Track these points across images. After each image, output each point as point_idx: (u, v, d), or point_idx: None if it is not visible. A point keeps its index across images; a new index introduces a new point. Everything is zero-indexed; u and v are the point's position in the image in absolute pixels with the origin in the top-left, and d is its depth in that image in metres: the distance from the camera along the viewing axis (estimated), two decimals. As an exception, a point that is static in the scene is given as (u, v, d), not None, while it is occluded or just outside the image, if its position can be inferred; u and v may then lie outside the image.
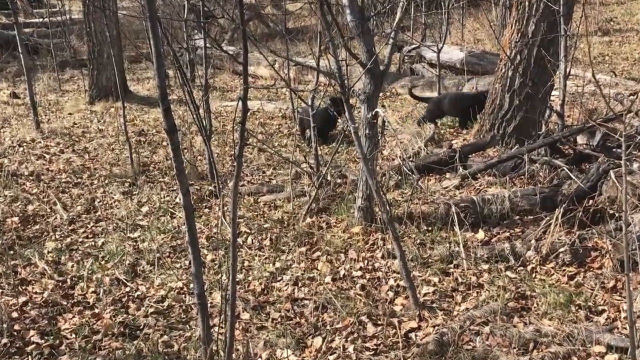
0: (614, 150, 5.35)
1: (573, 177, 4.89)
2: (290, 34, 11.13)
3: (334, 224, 5.11)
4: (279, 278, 4.36)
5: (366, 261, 4.49)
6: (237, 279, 3.46)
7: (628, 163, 4.64)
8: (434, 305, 3.89)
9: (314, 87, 6.58)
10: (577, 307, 3.73)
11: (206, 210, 5.58)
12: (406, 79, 10.06)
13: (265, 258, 4.65)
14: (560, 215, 4.54)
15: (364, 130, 4.57)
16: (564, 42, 5.62)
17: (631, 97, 7.21)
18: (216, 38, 13.53)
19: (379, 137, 4.60)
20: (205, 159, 6.38)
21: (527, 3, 6.07)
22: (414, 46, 10.96)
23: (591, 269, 4.16)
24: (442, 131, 7.44)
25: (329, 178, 5.75)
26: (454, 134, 7.37)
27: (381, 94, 9.87)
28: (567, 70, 5.71)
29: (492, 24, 12.39)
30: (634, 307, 3.54)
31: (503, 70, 6.43)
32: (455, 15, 15.08)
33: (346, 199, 5.36)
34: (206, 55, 6.43)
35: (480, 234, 4.71)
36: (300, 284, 4.27)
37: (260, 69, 11.50)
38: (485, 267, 4.28)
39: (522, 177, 5.49)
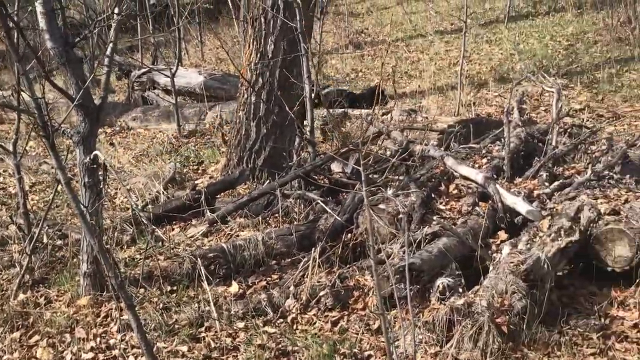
0: (369, 176, 5.91)
1: (328, 210, 5.29)
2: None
3: (55, 297, 4.90)
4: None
5: (98, 339, 4.38)
6: None
7: (383, 189, 5.16)
8: (184, 380, 3.92)
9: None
10: (342, 357, 4.02)
11: None
12: (138, 110, 10.03)
13: (-37, 355, 4.30)
14: (318, 255, 4.89)
15: (82, 178, 4.48)
16: (305, 61, 6.07)
17: (384, 116, 8.01)
18: None
19: (101, 185, 4.53)
20: None
21: (262, 19, 6.47)
22: (143, 70, 10.97)
23: (355, 311, 4.52)
24: (185, 169, 7.56)
25: (45, 240, 5.51)
26: (199, 172, 7.52)
27: (110, 130, 9.74)
28: (314, 91, 6.19)
29: (235, 40, 12.94)
30: (401, 346, 3.93)
31: (245, 95, 6.75)
32: (192, 32, 15.48)
33: (69, 265, 5.19)
34: None
35: (234, 287, 4.86)
36: (13, 381, 4.02)
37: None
38: (241, 324, 4.42)
39: (277, 215, 5.79)
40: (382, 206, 4.99)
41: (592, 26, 12.92)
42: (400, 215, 4.85)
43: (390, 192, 5.11)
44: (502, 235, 4.96)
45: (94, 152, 4.42)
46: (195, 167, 7.70)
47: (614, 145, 6.25)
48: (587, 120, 8.17)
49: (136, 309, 3.93)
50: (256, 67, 6.58)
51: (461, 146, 6.27)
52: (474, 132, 6.85)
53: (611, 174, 5.60)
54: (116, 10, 4.39)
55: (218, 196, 6.38)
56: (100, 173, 4.47)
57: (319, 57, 13.52)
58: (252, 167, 6.75)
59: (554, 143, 5.87)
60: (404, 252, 4.62)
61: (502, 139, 6.16)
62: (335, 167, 6.52)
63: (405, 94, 10.73)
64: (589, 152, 6.50)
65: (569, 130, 6.78)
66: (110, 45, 4.63)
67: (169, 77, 9.33)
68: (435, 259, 4.45)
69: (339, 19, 15.87)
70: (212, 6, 15.16)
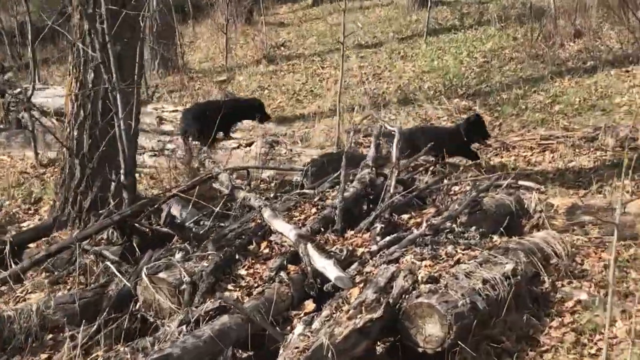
0: (186, 226, 5.17)
1: (117, 273, 4.54)
2: None
3: None
4: None
5: None
6: None
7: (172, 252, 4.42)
8: None
9: None
10: None
11: None
12: (2, 135, 9.23)
13: None
14: (101, 327, 4.17)
15: None
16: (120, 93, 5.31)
17: (246, 147, 7.28)
18: None
19: None
20: None
21: (80, 45, 5.71)
22: (18, 90, 10.17)
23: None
24: (16, 209, 6.77)
25: None
26: (30, 212, 6.74)
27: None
28: (134, 128, 5.45)
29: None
30: None
31: (68, 129, 5.99)
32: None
33: None
34: None
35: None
36: None
37: None
38: None
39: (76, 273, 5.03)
40: (162, 275, 4.24)
41: (512, 42, 12.31)
42: (183, 286, 4.12)
43: (179, 255, 4.37)
44: (309, 306, 4.25)
45: None
46: (29, 206, 6.90)
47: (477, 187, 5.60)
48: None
49: None
50: (77, 97, 5.82)
51: (295, 192, 5.55)
52: (336, 169, 6.12)
53: (453, 226, 4.93)
54: None
55: (30, 246, 5.60)
56: None
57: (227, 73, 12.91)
58: (79, 209, 5.97)
59: (391, 190, 5.16)
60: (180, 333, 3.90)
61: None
62: (176, 211, 5.78)
63: (301, 116, 10.05)
64: (451, 194, 5.85)
65: (431, 169, 6.12)
66: None
67: (47, 97, 8.57)
68: (205, 345, 3.70)
69: (257, 32, 15.12)
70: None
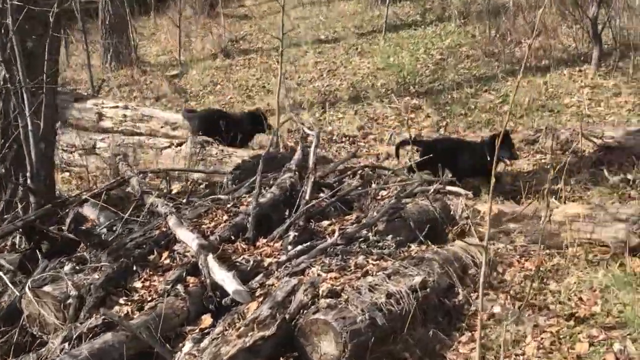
0: (92, 232, 4.93)
1: (10, 284, 4.31)
2: None
3: None
4: None
5: None
6: None
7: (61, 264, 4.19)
8: None
9: None
10: None
11: None
12: None
13: None
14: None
15: None
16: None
17: (177, 147, 7.05)
18: None
19: None
20: None
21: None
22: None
23: None
24: None
25: None
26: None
27: None
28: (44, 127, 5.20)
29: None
30: None
31: (-21, 129, 5.73)
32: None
33: None
34: None
35: None
36: None
37: None
38: None
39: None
40: (48, 288, 4.02)
41: (470, 39, 12.12)
42: (69, 301, 3.90)
43: (68, 267, 4.15)
44: (206, 321, 4.04)
45: None
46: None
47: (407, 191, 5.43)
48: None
49: None
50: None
51: (207, 197, 5.33)
52: (265, 171, 5.90)
53: (369, 234, 4.74)
54: None
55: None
56: None
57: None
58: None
59: (307, 196, 4.96)
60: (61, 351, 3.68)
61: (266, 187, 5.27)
62: (93, 215, 5.54)
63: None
64: (378, 198, 5.67)
65: (359, 172, 5.92)
66: None
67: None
68: (82, 365, 3.50)
69: (215, 25, 14.84)
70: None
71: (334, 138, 8.00)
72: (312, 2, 16.68)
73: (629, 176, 6.14)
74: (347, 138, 8.00)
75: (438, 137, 7.67)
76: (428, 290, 4.21)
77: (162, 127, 8.00)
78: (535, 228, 5.20)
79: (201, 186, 6.59)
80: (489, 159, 5.45)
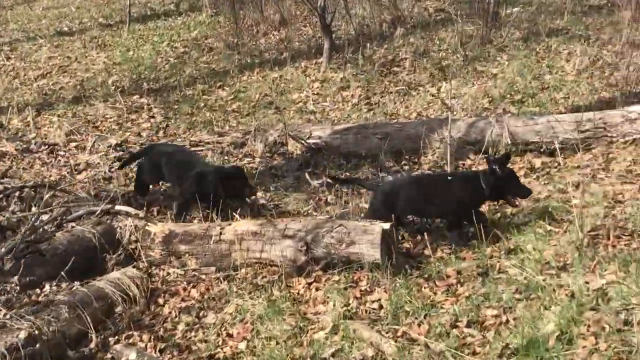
0: None
1: None
2: None
3: None
4: None
5: None
6: None
7: None
8: None
9: None
10: None
11: None
12: None
13: None
14: None
15: None
16: None
17: None
18: None
19: None
20: None
21: None
22: None
23: None
24: None
25: None
26: None
27: None
28: None
29: None
30: None
31: None
32: None
33: None
34: None
35: None
36: None
37: None
38: None
39: None
40: None
41: (219, 29, 11.52)
42: None
43: None
44: None
45: None
46: None
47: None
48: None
49: None
50: None
51: None
52: None
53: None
54: None
55: None
56: None
57: None
58: None
59: None
60: None
61: None
62: None
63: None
64: (40, 224, 4.92)
65: (18, 194, 5.15)
66: None
67: None
68: None
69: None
70: None
71: (30, 147, 7.06)
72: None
73: (329, 180, 5.79)
74: (47, 147, 7.09)
75: (411, 175, 5.95)
76: (37, 346, 3.55)
77: None
78: (206, 249, 4.70)
79: None
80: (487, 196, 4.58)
